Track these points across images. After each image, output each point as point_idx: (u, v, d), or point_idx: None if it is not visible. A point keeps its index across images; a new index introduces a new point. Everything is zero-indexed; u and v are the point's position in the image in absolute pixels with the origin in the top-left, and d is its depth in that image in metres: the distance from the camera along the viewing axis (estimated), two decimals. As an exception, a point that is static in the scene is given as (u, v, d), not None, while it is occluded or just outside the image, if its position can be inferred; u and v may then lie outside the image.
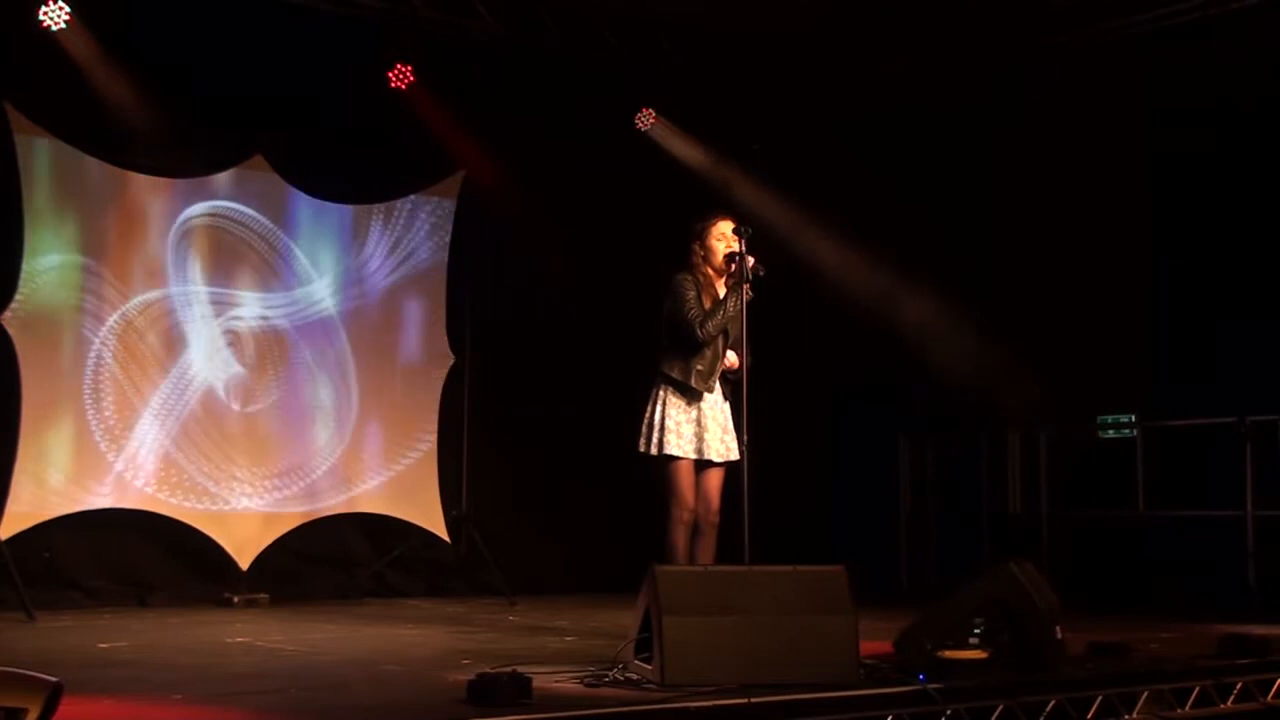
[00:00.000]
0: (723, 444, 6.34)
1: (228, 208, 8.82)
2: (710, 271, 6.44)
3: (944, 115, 9.98)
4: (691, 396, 6.31)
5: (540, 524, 9.88)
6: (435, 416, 9.50)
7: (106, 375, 8.37)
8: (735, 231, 6.32)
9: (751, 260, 6.27)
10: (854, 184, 9.89)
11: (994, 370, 9.77)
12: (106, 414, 8.35)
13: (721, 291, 6.39)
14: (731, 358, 6.36)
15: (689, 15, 9.29)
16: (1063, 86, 9.62)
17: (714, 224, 6.43)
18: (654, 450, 6.30)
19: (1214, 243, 9.15)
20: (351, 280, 9.28)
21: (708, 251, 6.42)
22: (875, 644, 5.34)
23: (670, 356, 6.36)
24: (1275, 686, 5.66)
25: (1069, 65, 9.49)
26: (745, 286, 6.31)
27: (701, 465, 6.34)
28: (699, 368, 6.32)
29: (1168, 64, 9.10)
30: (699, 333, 6.27)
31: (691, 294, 6.34)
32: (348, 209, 9.28)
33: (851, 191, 9.85)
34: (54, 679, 3.61)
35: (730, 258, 6.34)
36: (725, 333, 6.36)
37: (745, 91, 9.90)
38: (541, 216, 9.51)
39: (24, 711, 3.50)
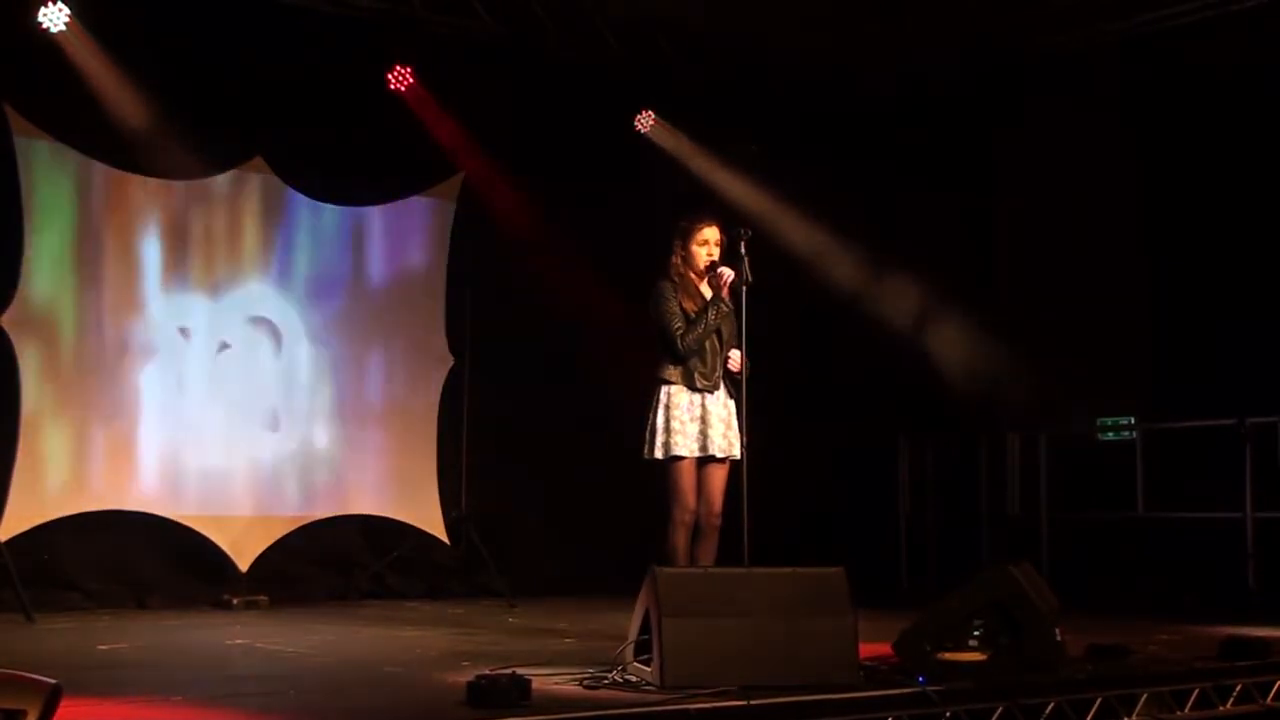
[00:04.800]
0: (725, 440, 6.32)
1: (227, 210, 8.83)
2: (691, 274, 6.43)
3: (944, 115, 9.98)
4: (696, 392, 6.31)
5: (540, 525, 9.87)
6: (435, 417, 9.49)
7: (106, 376, 8.36)
8: (736, 233, 6.30)
9: (731, 275, 6.27)
10: (853, 184, 9.89)
11: (994, 371, 9.78)
12: (106, 415, 8.34)
13: (707, 293, 6.40)
14: (736, 356, 6.35)
15: (689, 16, 9.30)
16: (1063, 86, 9.63)
17: (699, 229, 6.41)
18: (659, 454, 6.30)
19: (1213, 243, 9.15)
20: (351, 281, 9.27)
21: (689, 254, 6.41)
22: (875, 645, 5.34)
23: (667, 362, 6.36)
24: (1275, 688, 5.66)
25: (1069, 65, 9.50)
26: (726, 293, 6.32)
27: (704, 464, 6.33)
28: (700, 370, 6.32)
29: (1167, 64, 9.10)
30: (679, 346, 6.28)
31: (673, 305, 6.34)
32: (348, 210, 9.27)
33: (851, 191, 9.85)
34: (53, 680, 3.61)
35: (711, 268, 6.35)
36: (719, 332, 6.36)
37: (745, 92, 9.90)
38: (541, 217, 9.51)
39: (23, 713, 3.50)
